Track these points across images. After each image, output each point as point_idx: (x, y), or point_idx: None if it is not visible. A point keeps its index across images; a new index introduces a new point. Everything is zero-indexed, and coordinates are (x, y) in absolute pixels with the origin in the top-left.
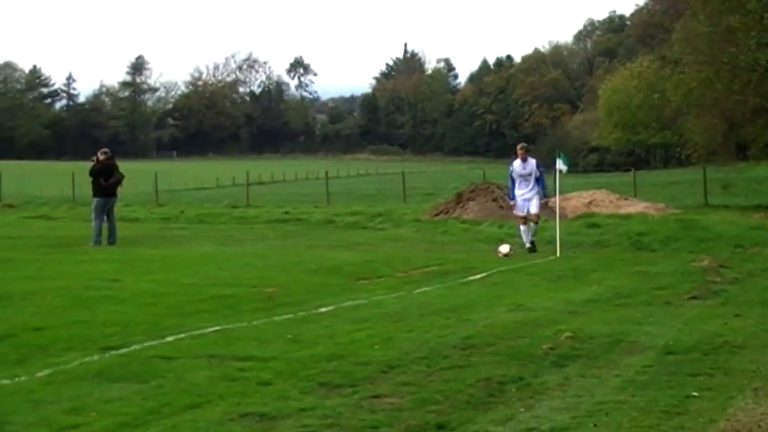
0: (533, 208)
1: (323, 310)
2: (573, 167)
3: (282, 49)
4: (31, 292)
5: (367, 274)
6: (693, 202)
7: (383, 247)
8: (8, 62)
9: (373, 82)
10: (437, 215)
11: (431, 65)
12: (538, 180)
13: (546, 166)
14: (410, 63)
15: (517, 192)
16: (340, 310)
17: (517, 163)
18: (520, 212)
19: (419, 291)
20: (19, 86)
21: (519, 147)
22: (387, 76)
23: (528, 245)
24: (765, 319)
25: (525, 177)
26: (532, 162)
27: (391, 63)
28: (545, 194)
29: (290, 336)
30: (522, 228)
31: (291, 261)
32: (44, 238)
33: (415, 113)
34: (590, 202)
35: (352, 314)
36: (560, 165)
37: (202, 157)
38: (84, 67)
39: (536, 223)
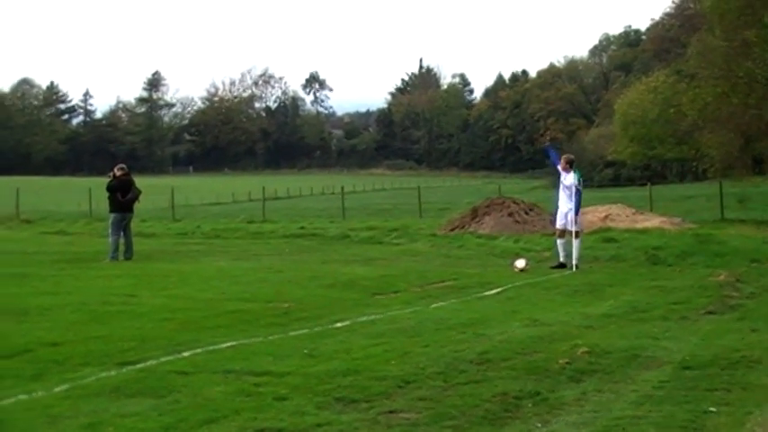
0: (569, 224)
1: (339, 324)
2: (587, 182)
3: (298, 65)
4: (47, 307)
5: (383, 288)
6: (710, 217)
7: (399, 262)
8: (26, 78)
9: (389, 97)
10: (453, 230)
11: (446, 80)
12: (575, 196)
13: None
14: (426, 78)
15: (560, 202)
16: (356, 324)
17: (563, 172)
18: (558, 224)
19: (435, 305)
20: (36, 102)
21: (562, 158)
22: (402, 91)
23: (561, 260)
24: None
25: (566, 189)
26: (572, 176)
27: (407, 78)
28: (576, 212)
29: (306, 351)
30: (558, 241)
31: (307, 276)
32: (61, 254)
33: (431, 128)
34: (606, 217)
35: (368, 329)
36: (572, 176)
37: (218, 172)
38: (101, 84)
39: (577, 238)
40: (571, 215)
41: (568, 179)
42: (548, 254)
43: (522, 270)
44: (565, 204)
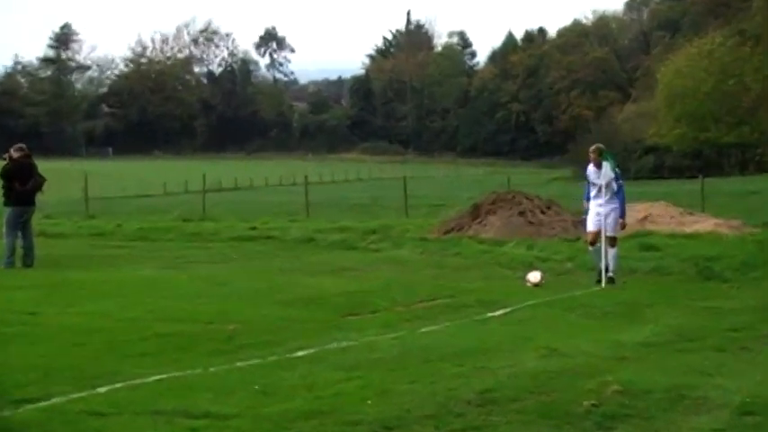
0: (609, 229)
1: (300, 353)
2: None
3: (250, 19)
4: None
5: (357, 307)
6: None
7: (378, 273)
8: None
9: (367, 61)
10: (448, 232)
11: (441, 40)
12: (617, 193)
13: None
14: (415, 37)
15: (591, 202)
16: (322, 353)
17: (590, 168)
18: (590, 227)
19: (424, 330)
20: None
21: (591, 149)
22: (384, 53)
23: (602, 274)
24: None
25: (600, 188)
26: (607, 168)
27: (390, 37)
28: (622, 213)
29: (257, 386)
30: (590, 248)
31: (260, 290)
32: None
33: (421, 102)
34: (645, 218)
35: (338, 359)
36: (607, 169)
37: (146, 155)
38: None
39: (612, 247)
40: (614, 216)
41: (603, 175)
42: (570, 264)
43: (536, 285)
44: (598, 204)
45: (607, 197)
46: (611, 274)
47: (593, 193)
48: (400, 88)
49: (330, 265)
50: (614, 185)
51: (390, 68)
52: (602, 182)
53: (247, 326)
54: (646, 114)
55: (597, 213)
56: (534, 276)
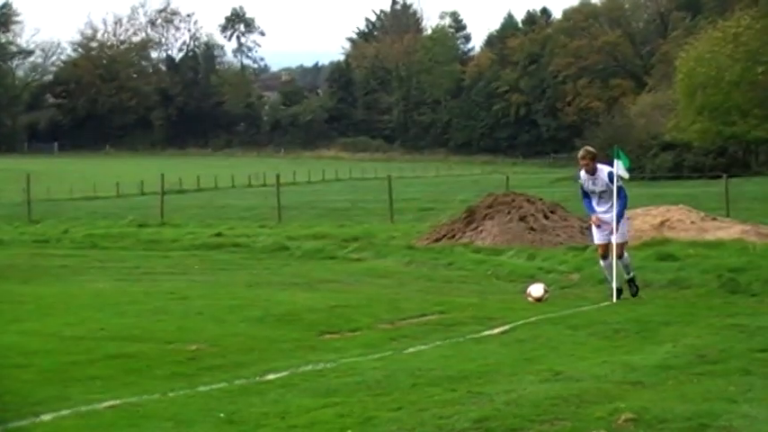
0: (615, 235)
1: (271, 376)
2: (636, 172)
3: None
4: None
5: (336, 325)
6: None
7: (360, 287)
8: None
9: (347, 45)
10: (438, 240)
11: (431, 22)
12: (619, 196)
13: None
14: (401, 19)
15: (597, 208)
16: (296, 377)
17: (583, 176)
18: (598, 239)
19: (411, 350)
20: None
21: (579, 155)
22: (366, 36)
23: (614, 291)
24: None
25: (600, 194)
26: (604, 174)
27: (373, 19)
28: (621, 213)
29: (222, 414)
30: (602, 263)
31: (225, 305)
32: None
33: (408, 92)
34: (662, 223)
35: (314, 383)
36: (620, 168)
37: (97, 151)
38: None
39: (620, 257)
40: (621, 221)
41: (598, 183)
42: (576, 276)
43: (538, 300)
44: (602, 212)
45: (609, 204)
46: (631, 274)
47: (594, 202)
48: (384, 77)
49: (305, 278)
50: (615, 188)
51: (374, 54)
52: (599, 189)
53: (211, 346)
54: (663, 106)
55: (606, 223)
56: (536, 290)
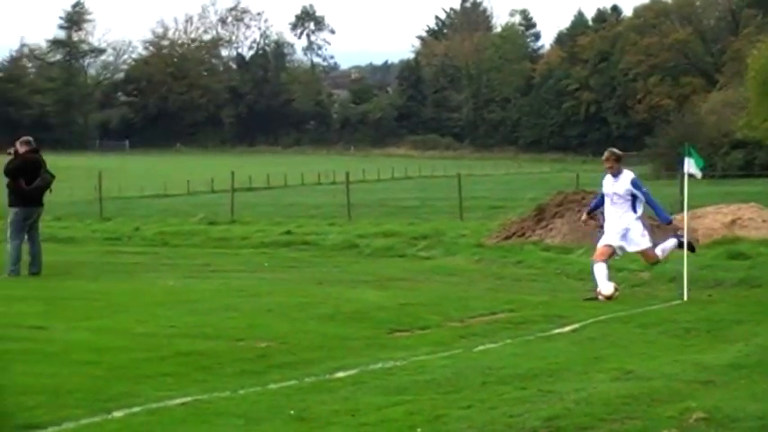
0: (637, 244)
1: (341, 374)
2: (707, 170)
3: None
4: None
5: (405, 323)
6: None
7: (429, 285)
8: None
9: (416, 44)
10: (508, 238)
11: (500, 20)
12: (635, 205)
13: (670, 168)
14: (471, 17)
15: (606, 213)
16: (365, 374)
17: (607, 178)
18: (605, 241)
19: (481, 348)
20: None
21: (604, 157)
22: (436, 35)
23: (597, 291)
24: None
25: (614, 199)
26: (627, 179)
27: (443, 17)
28: (667, 218)
29: (292, 411)
30: (596, 266)
31: (295, 303)
32: None
33: (478, 90)
34: (733, 222)
35: (384, 381)
36: (691, 167)
37: (167, 149)
38: None
39: (656, 262)
40: (637, 228)
41: (621, 185)
42: (647, 275)
43: (608, 298)
44: (618, 217)
45: (624, 210)
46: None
47: (607, 205)
48: (454, 74)
49: (374, 275)
50: (630, 193)
51: (443, 52)
52: (619, 191)
53: (281, 343)
54: (734, 104)
55: (614, 227)
56: (607, 288)
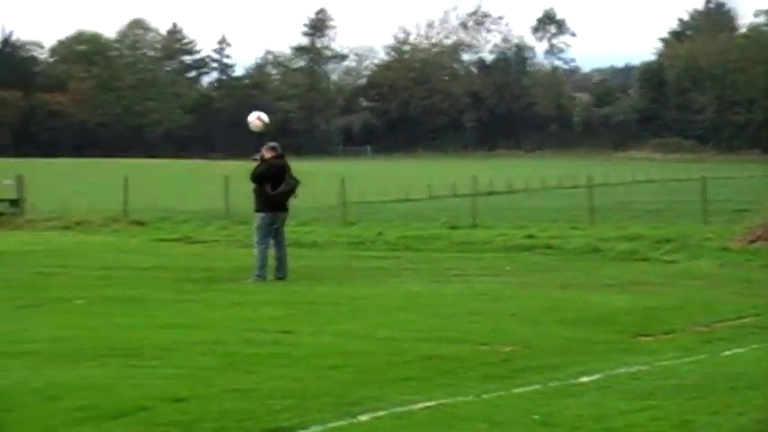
0: None
1: (585, 379)
2: None
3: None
4: (168, 346)
5: (649, 327)
6: None
7: (673, 289)
8: (138, 20)
9: (659, 46)
10: (754, 241)
11: (745, 20)
12: None
13: None
14: (714, 17)
15: None
16: (610, 379)
17: None
18: None
19: (728, 353)
20: (153, 54)
21: None
22: (680, 36)
23: None
24: None
25: None
26: None
27: (686, 18)
28: None
29: (536, 416)
30: None
31: (538, 307)
32: (186, 270)
33: (721, 91)
34: None
35: (629, 386)
36: None
37: (409, 153)
38: (241, 28)
39: None
40: None
41: None
42: None
43: None
44: None
45: None
46: None
47: None
48: (697, 76)
49: (618, 279)
50: None
51: (686, 54)
52: None
53: (525, 347)
54: None
55: None
56: None
